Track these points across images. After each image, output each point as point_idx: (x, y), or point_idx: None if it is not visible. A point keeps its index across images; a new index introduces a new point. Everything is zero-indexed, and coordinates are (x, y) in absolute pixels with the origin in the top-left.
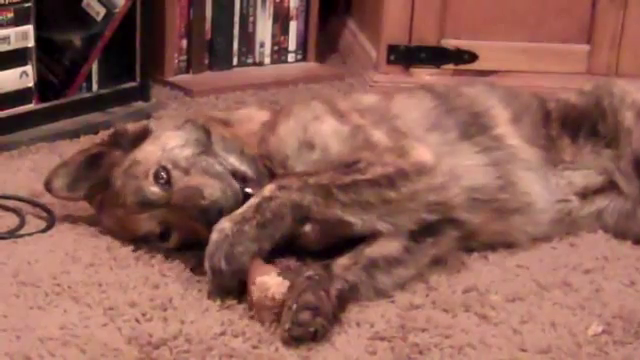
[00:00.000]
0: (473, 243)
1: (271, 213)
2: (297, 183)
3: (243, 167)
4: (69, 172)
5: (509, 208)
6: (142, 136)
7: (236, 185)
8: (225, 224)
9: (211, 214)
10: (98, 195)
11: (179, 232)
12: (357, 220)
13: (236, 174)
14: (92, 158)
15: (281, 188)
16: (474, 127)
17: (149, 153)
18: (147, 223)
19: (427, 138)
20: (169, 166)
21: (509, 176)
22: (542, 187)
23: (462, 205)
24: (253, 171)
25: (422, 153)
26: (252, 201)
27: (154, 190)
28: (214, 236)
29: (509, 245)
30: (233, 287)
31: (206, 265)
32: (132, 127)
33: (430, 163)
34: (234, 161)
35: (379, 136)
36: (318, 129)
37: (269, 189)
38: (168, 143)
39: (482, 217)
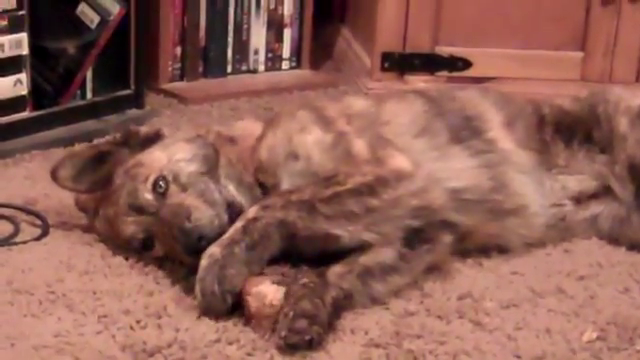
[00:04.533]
0: (469, 245)
1: (258, 234)
2: (280, 201)
3: (239, 198)
4: (76, 164)
5: (502, 209)
6: (153, 139)
7: (225, 217)
8: (214, 249)
9: (191, 237)
10: (98, 192)
11: (160, 245)
12: (343, 232)
13: (233, 205)
14: (101, 154)
15: (265, 208)
16: (466, 131)
17: (155, 159)
18: (132, 227)
19: (414, 144)
20: (170, 178)
21: (501, 178)
22: (535, 190)
23: (445, 207)
24: (248, 201)
25: (399, 161)
26: (237, 224)
27: (148, 197)
28: (204, 262)
29: (504, 250)
30: (225, 309)
31: (196, 289)
32: (145, 129)
33: (408, 169)
34: (232, 190)
35: (359, 146)
36: (302, 140)
37: (253, 211)
38: (176, 154)
39: (475, 218)
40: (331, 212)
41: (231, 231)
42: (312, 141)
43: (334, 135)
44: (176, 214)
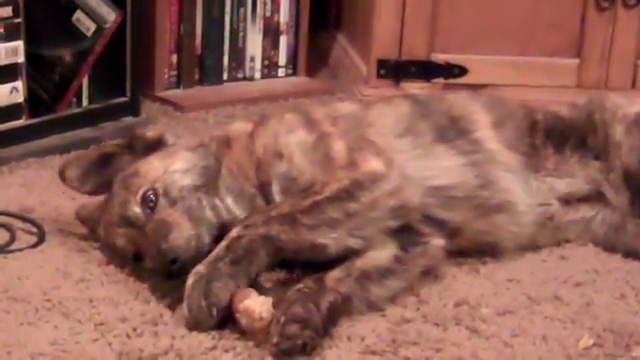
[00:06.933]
0: (460, 243)
1: (243, 250)
2: (261, 218)
3: (238, 211)
4: (82, 165)
5: (490, 205)
6: (156, 145)
7: (206, 237)
8: (199, 268)
9: (164, 258)
10: (102, 194)
11: (149, 259)
12: (328, 240)
13: (226, 226)
14: (106, 156)
15: (247, 227)
16: (452, 130)
17: (152, 168)
18: (122, 239)
19: (397, 143)
20: (160, 191)
21: (487, 175)
22: (522, 189)
23: (425, 204)
24: (248, 213)
25: (373, 164)
26: (222, 244)
27: (136, 210)
28: (190, 280)
29: (497, 250)
30: (212, 323)
31: (184, 305)
32: (150, 133)
33: (382, 171)
34: (231, 204)
35: (338, 149)
36: (287, 141)
37: (236, 230)
38: (173, 164)
39: (463, 215)
40: (312, 222)
41: (215, 250)
42: (295, 142)
43: (317, 136)
44: (156, 232)
